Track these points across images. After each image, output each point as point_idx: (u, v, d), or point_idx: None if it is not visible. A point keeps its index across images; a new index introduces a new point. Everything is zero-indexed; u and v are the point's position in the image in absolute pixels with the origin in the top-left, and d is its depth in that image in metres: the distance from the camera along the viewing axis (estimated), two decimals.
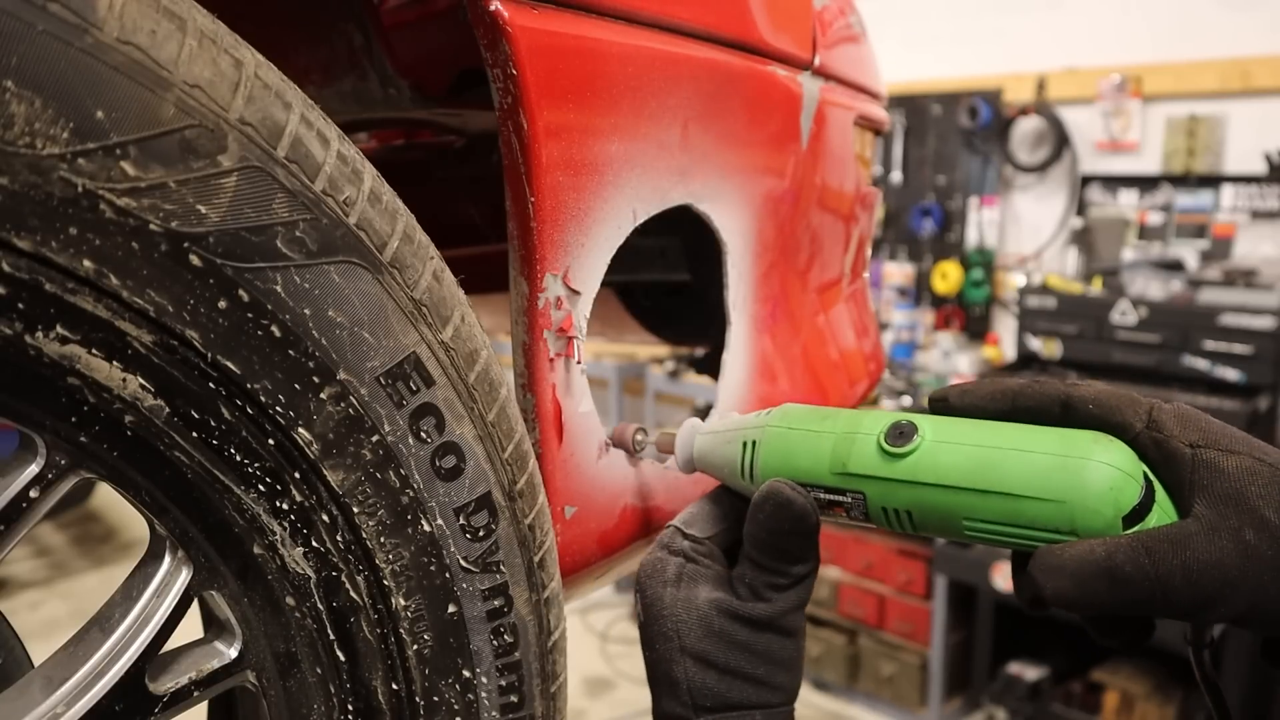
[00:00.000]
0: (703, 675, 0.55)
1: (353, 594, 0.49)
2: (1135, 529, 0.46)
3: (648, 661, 0.57)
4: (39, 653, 0.45)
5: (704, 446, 0.64)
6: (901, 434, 0.52)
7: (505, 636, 0.55)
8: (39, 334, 0.37)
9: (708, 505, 0.62)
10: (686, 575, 0.58)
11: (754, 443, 0.59)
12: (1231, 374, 2.68)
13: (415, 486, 0.48)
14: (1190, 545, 0.44)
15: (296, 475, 0.45)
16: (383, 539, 0.48)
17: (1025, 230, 3.55)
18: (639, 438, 0.71)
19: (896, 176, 3.77)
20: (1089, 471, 0.47)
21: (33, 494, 0.40)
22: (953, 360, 3.52)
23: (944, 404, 0.56)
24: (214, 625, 0.50)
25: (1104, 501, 0.46)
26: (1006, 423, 0.52)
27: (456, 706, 0.53)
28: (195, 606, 0.48)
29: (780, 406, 0.60)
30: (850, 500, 0.54)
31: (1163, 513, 0.47)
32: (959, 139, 3.59)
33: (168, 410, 0.41)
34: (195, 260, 0.39)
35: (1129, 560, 0.45)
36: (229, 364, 0.41)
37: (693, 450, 0.65)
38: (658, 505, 0.76)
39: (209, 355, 0.41)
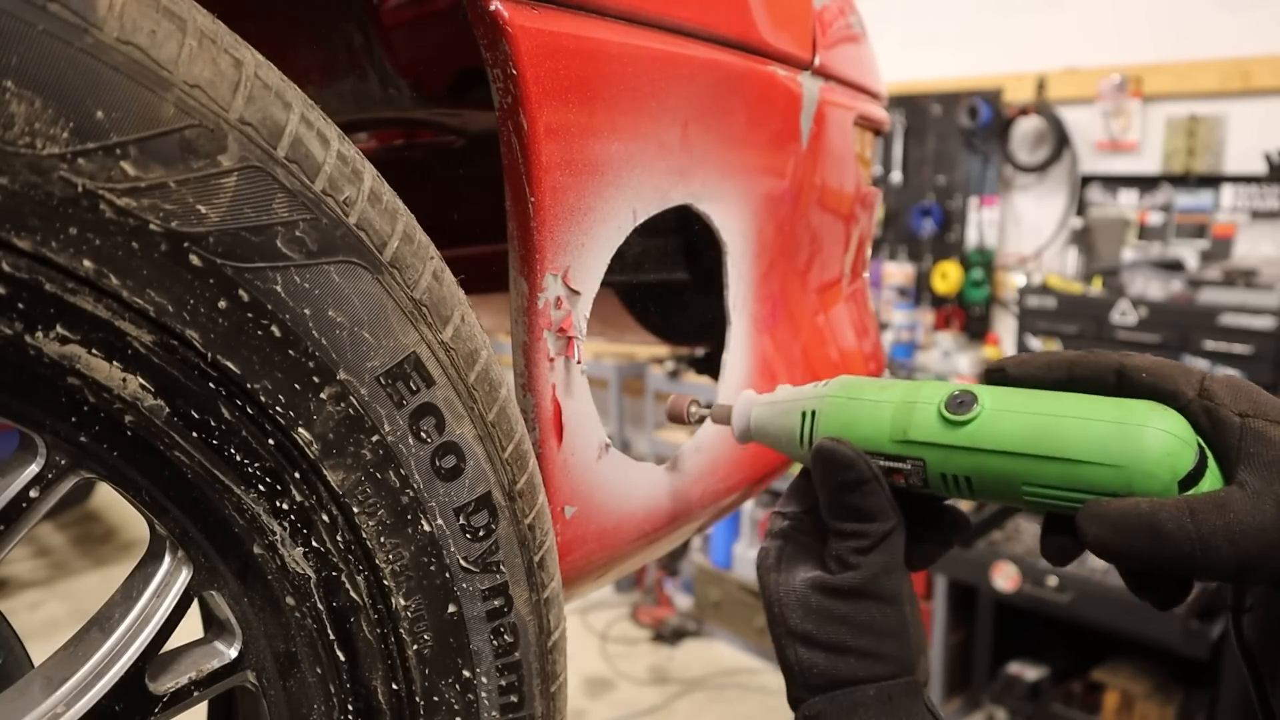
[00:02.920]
0: (810, 655, 0.56)
1: (353, 594, 0.49)
2: (1189, 493, 0.48)
3: (775, 648, 0.58)
4: (39, 653, 0.45)
5: (762, 417, 0.65)
6: (961, 403, 0.54)
7: (505, 636, 0.55)
8: (39, 334, 0.37)
9: (800, 481, 0.62)
10: (786, 556, 0.59)
11: (813, 413, 0.60)
12: (1231, 374, 2.68)
13: (415, 486, 0.48)
14: (1234, 508, 0.46)
15: (296, 475, 0.45)
16: (383, 539, 0.48)
17: (1025, 230, 3.55)
18: (693, 409, 0.71)
19: (896, 176, 3.77)
20: (1146, 437, 0.48)
21: (33, 494, 0.40)
22: (953, 360, 3.52)
23: (1001, 374, 0.57)
24: (214, 625, 0.50)
25: (1161, 466, 0.48)
26: (1062, 392, 0.53)
27: (456, 706, 0.53)
28: (195, 606, 0.48)
29: (838, 378, 0.61)
30: (910, 467, 0.55)
31: (1214, 478, 0.49)
32: (959, 139, 3.59)
33: (168, 410, 0.41)
34: (195, 260, 0.39)
35: (1172, 519, 0.46)
36: (229, 364, 0.41)
37: (750, 421, 0.65)
38: (658, 505, 0.76)
39: (209, 355, 0.41)
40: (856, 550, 0.55)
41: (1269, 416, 0.48)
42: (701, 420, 0.71)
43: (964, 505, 2.81)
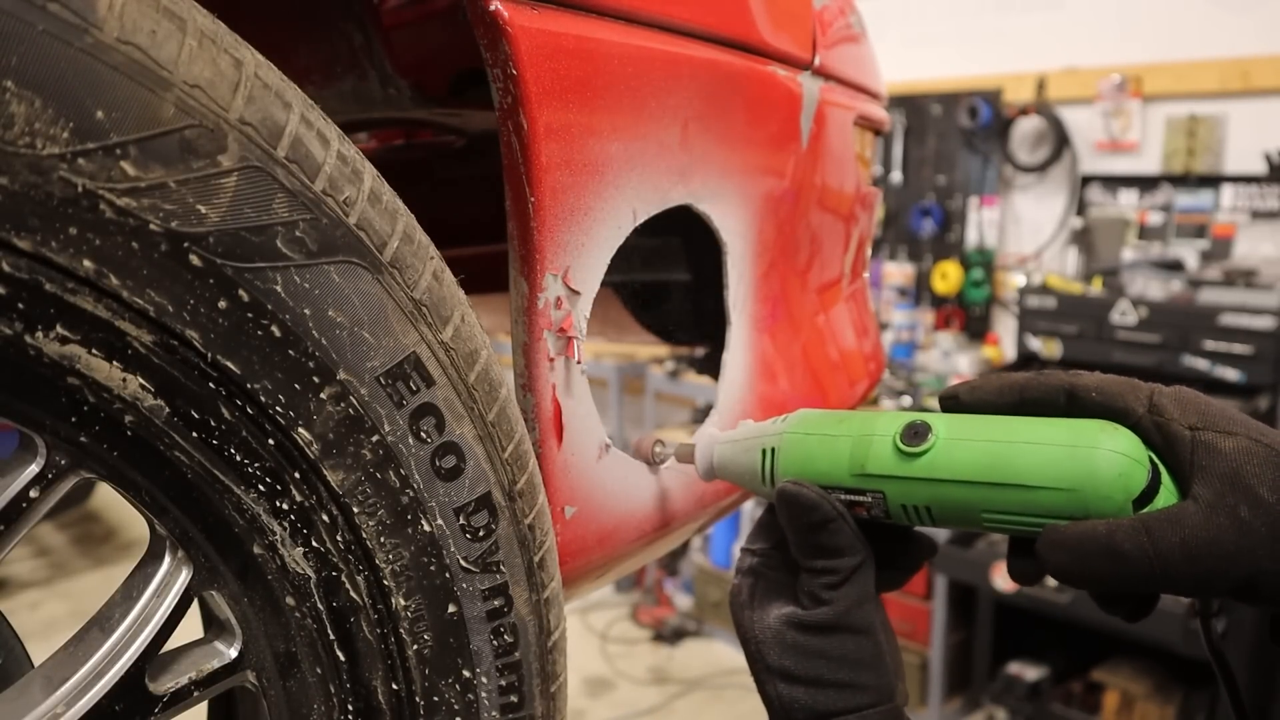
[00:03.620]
0: (790, 690, 0.56)
1: (353, 594, 0.49)
2: (1144, 511, 0.48)
3: (756, 684, 0.59)
4: (39, 653, 0.45)
5: (724, 456, 0.65)
6: (916, 433, 0.54)
7: (505, 636, 0.55)
8: (39, 334, 0.37)
9: (766, 517, 0.62)
10: (759, 593, 0.60)
11: (773, 449, 0.60)
12: (1231, 374, 2.68)
13: (415, 486, 0.48)
14: (1188, 524, 0.46)
15: (296, 475, 0.45)
16: (383, 539, 0.48)
17: (1025, 230, 3.55)
18: (658, 449, 0.72)
19: (896, 176, 3.77)
20: (1098, 459, 0.48)
21: (33, 494, 0.40)
22: (953, 360, 3.52)
23: (955, 401, 0.57)
24: (214, 625, 0.50)
25: (1114, 487, 0.48)
26: (1015, 416, 0.54)
27: (456, 706, 0.53)
28: (195, 606, 0.48)
29: (796, 413, 0.61)
30: (871, 500, 0.55)
31: (1169, 494, 0.49)
32: (959, 139, 3.59)
33: (168, 410, 0.41)
34: (195, 260, 0.39)
35: (1129, 539, 0.46)
36: (229, 364, 0.41)
37: (713, 460, 0.66)
38: (658, 505, 0.76)
39: (209, 355, 0.41)
40: (827, 586, 0.56)
41: (1218, 428, 0.48)
42: (664, 461, 0.72)
43: None
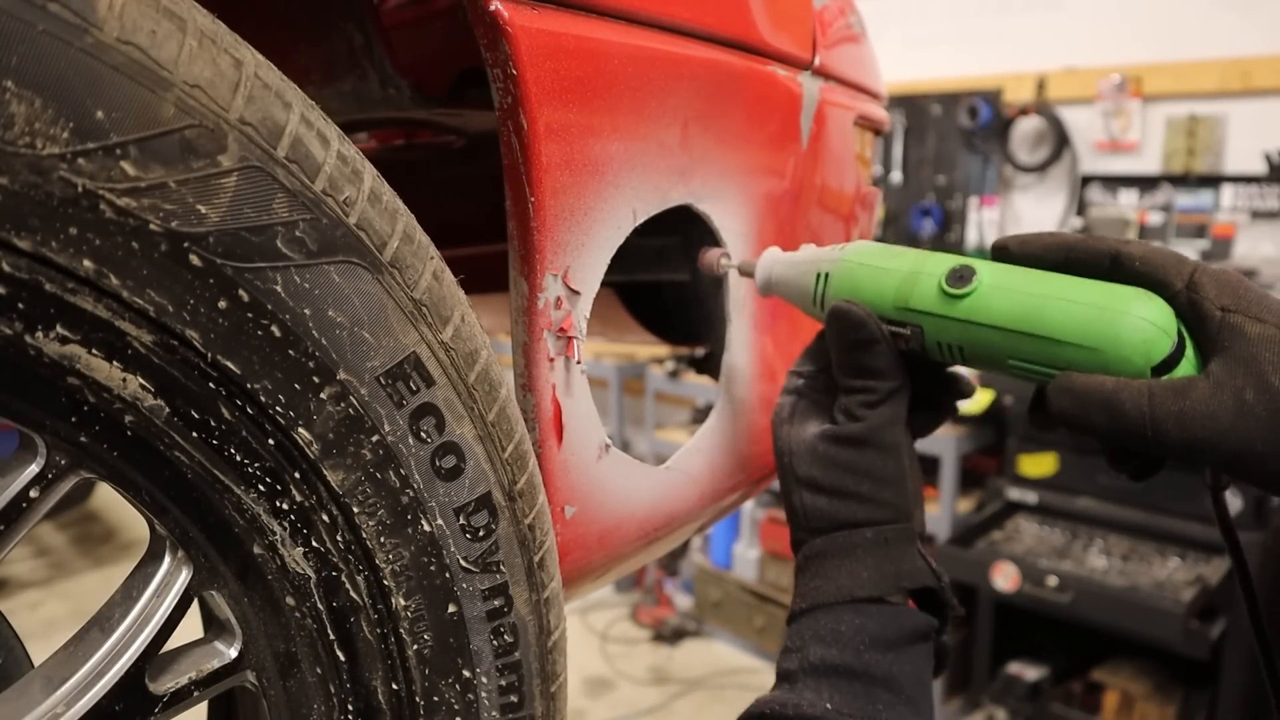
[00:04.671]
0: (814, 499, 0.60)
1: (353, 594, 0.49)
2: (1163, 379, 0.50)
3: (781, 497, 0.63)
4: (39, 653, 0.45)
5: (781, 274, 0.69)
6: (960, 277, 0.57)
7: (505, 636, 0.55)
8: (39, 334, 0.37)
9: (815, 343, 0.66)
10: (799, 411, 0.64)
11: (826, 274, 0.64)
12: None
13: (415, 486, 0.48)
14: (1191, 396, 0.48)
15: (296, 475, 0.45)
16: (383, 539, 0.48)
17: (1025, 230, 3.54)
18: (723, 260, 0.76)
19: (896, 176, 3.77)
20: (1124, 323, 0.51)
21: (33, 494, 0.40)
22: None
23: (1005, 251, 0.59)
24: (214, 625, 0.50)
25: (1135, 352, 0.50)
26: (1058, 274, 0.56)
27: (456, 706, 0.53)
28: (195, 606, 0.48)
29: (854, 242, 0.65)
30: (909, 332, 0.59)
31: (1189, 366, 0.51)
32: (959, 139, 3.59)
33: (168, 410, 0.41)
34: (195, 260, 0.39)
35: (1130, 399, 0.49)
36: (229, 364, 0.41)
37: (771, 275, 0.70)
38: (658, 505, 0.76)
39: (209, 355, 0.40)
40: (864, 404, 0.59)
41: (1249, 312, 0.49)
42: (726, 271, 0.77)
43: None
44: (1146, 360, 0.50)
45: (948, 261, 0.58)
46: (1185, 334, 0.51)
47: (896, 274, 0.60)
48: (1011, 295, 0.55)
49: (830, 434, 0.60)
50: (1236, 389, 0.47)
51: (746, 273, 0.74)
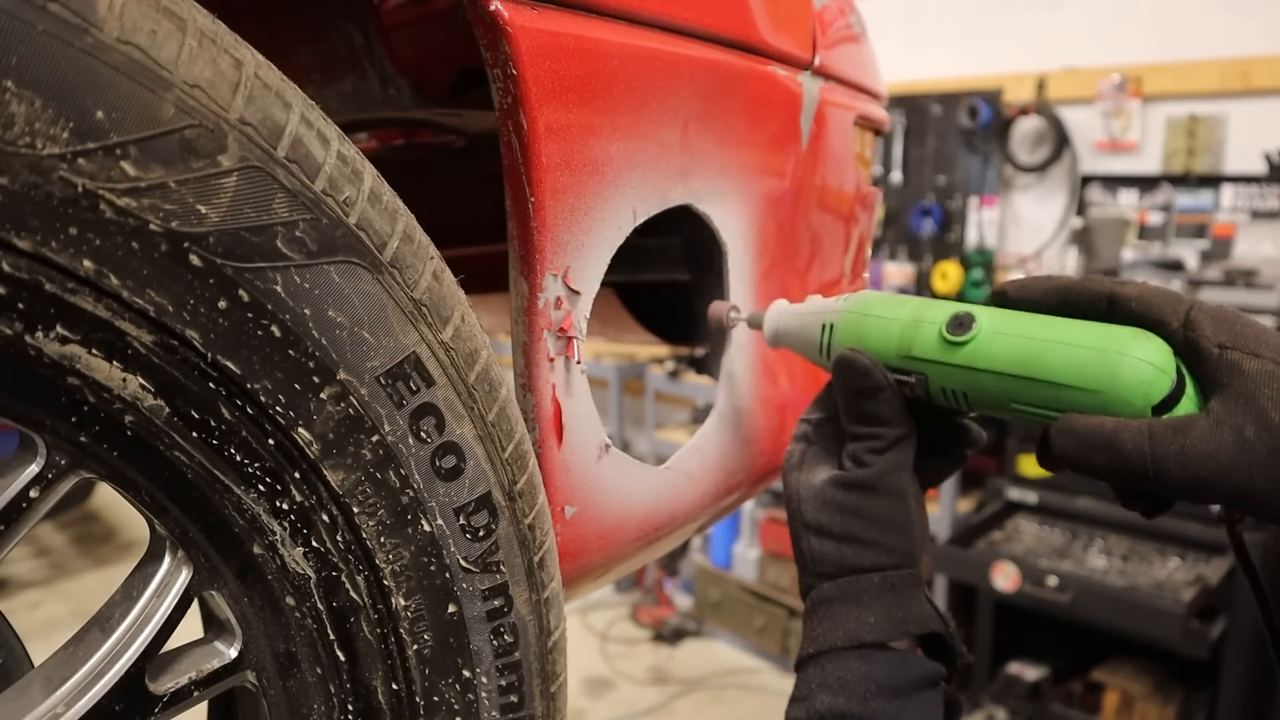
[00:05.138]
0: (821, 543, 0.60)
1: (353, 594, 0.49)
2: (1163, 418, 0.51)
3: (791, 542, 0.63)
4: (39, 653, 0.45)
5: (788, 325, 0.71)
6: (960, 324, 0.58)
7: (505, 636, 0.55)
8: (39, 334, 0.37)
9: (824, 392, 0.67)
10: (809, 458, 0.64)
11: (831, 325, 0.66)
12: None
13: (415, 486, 0.48)
14: (1191, 434, 0.48)
15: (296, 475, 0.45)
16: (383, 539, 0.48)
17: (1025, 230, 3.55)
18: (733, 314, 0.78)
19: (896, 176, 3.77)
20: (1123, 364, 0.51)
21: (33, 494, 0.40)
22: None
23: (1003, 297, 0.60)
24: (214, 625, 0.50)
25: (1135, 393, 0.51)
26: (1056, 317, 0.56)
27: (456, 706, 0.53)
28: (195, 606, 0.48)
29: (858, 293, 0.66)
30: (914, 380, 0.60)
31: (1190, 405, 0.51)
32: (959, 139, 3.59)
33: (168, 410, 0.41)
34: (195, 260, 0.39)
35: (1131, 439, 0.49)
36: (229, 364, 0.41)
37: (778, 327, 0.72)
38: (658, 505, 0.76)
39: (209, 355, 0.40)
40: (870, 450, 0.60)
41: (1246, 348, 0.49)
42: (736, 325, 0.79)
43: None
44: (1146, 400, 0.51)
45: (948, 309, 0.59)
46: (1185, 372, 0.52)
47: (899, 323, 0.61)
48: (1011, 340, 0.55)
49: (838, 480, 0.61)
50: (1236, 426, 0.47)
51: (755, 325, 0.75)
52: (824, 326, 0.66)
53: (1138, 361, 0.51)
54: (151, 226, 0.37)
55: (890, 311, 0.62)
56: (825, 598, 0.60)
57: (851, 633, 0.58)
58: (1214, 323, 0.51)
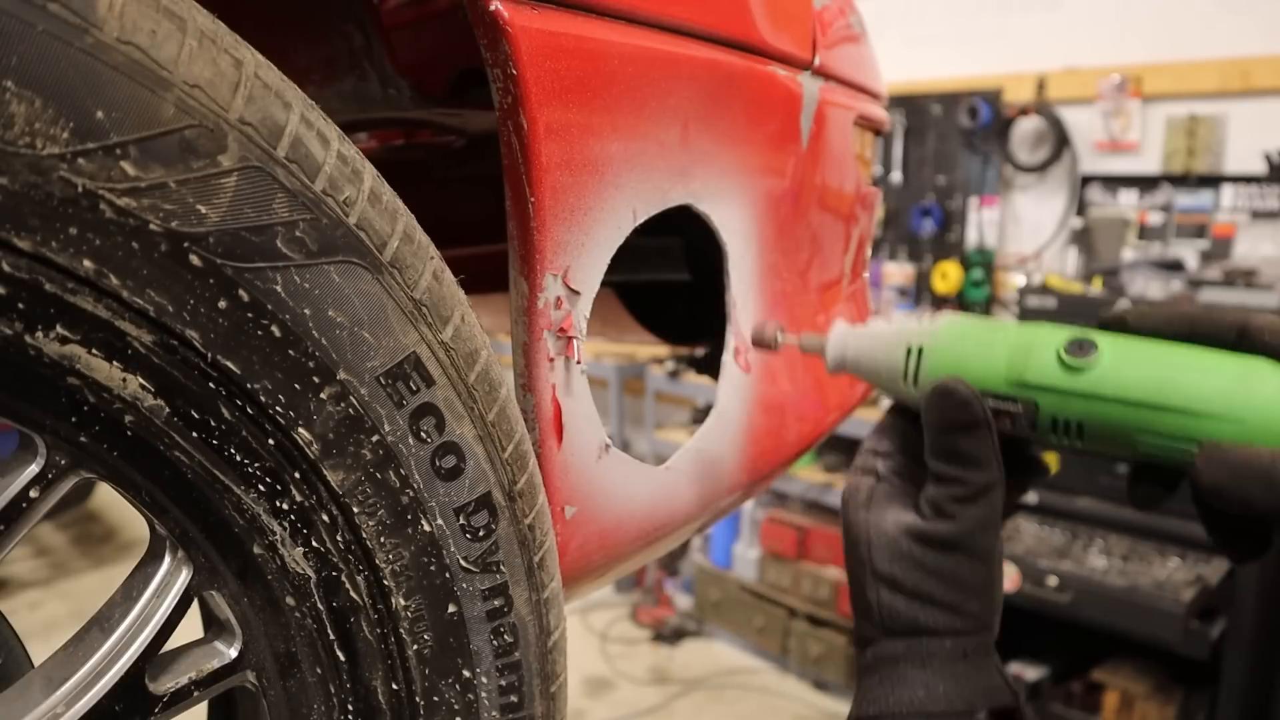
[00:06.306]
0: (892, 599, 0.55)
1: (353, 594, 0.49)
2: None
3: (849, 583, 0.58)
4: (39, 653, 0.45)
5: (861, 349, 0.64)
6: (1081, 348, 0.53)
7: (505, 636, 0.55)
8: (39, 334, 0.37)
9: (892, 419, 0.62)
10: (878, 496, 0.59)
11: (920, 349, 0.59)
12: None
13: (415, 486, 0.48)
14: None
15: (296, 475, 0.45)
16: (383, 539, 0.48)
17: (1025, 230, 3.55)
18: (780, 336, 0.71)
19: (896, 176, 3.77)
20: (1270, 393, 0.48)
21: (33, 494, 0.40)
22: None
23: (1120, 323, 0.56)
24: (214, 625, 0.50)
25: None
26: (1181, 344, 0.53)
27: (456, 706, 0.53)
28: (195, 606, 0.48)
29: (943, 314, 0.61)
30: (1020, 410, 0.55)
31: None
32: (959, 139, 3.59)
33: (168, 410, 0.41)
34: (195, 260, 0.39)
35: None
36: (229, 364, 0.41)
37: (846, 352, 0.64)
38: (658, 505, 0.76)
39: (209, 355, 0.40)
40: (955, 499, 0.55)
41: None
42: (782, 346, 0.71)
43: None
44: None
45: (1062, 332, 0.55)
46: None
47: (1005, 346, 0.56)
48: (1141, 366, 0.51)
49: (918, 532, 0.55)
50: None
51: (812, 349, 0.68)
52: (909, 350, 0.59)
53: None
54: (151, 226, 0.37)
55: (992, 334, 0.57)
56: (890, 656, 0.56)
57: (918, 700, 0.54)
58: None
